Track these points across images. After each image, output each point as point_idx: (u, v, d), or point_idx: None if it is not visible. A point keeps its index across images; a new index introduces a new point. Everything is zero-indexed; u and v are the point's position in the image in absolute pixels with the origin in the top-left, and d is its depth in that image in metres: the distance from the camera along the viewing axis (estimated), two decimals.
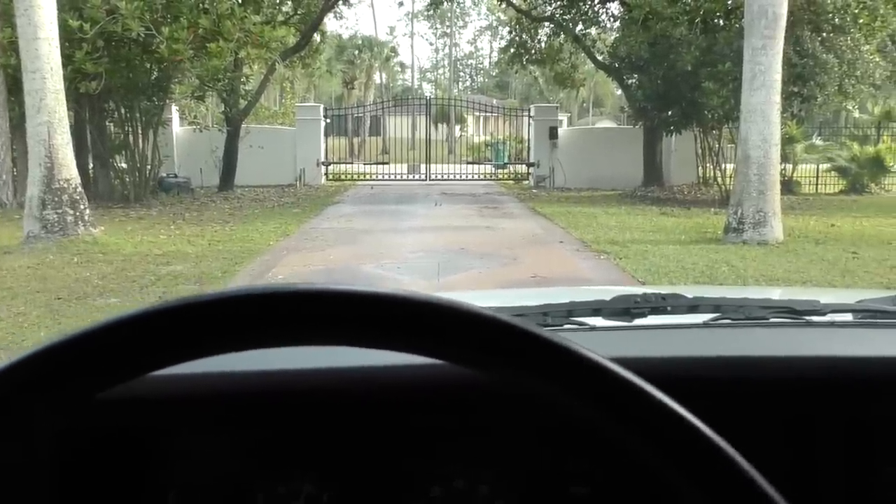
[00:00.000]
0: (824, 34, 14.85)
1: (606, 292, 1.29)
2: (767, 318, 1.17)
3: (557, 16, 19.88)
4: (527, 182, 21.16)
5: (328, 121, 22.18)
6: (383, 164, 23.09)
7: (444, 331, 0.42)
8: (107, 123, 15.78)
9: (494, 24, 57.83)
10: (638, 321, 1.18)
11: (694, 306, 1.23)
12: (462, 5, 58.28)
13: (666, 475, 0.42)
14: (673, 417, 0.42)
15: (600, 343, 1.09)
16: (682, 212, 14.20)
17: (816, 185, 19.08)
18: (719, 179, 15.98)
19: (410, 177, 22.09)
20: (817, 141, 19.31)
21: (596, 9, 19.84)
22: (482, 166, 23.93)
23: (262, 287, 0.42)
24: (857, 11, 15.00)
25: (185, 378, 0.85)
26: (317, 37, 20.78)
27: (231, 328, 0.42)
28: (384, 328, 0.42)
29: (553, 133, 20.53)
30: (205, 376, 0.86)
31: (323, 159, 21.08)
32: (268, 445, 0.90)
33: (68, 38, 11.31)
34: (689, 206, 15.30)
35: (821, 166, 19.22)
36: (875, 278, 7.91)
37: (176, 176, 17.47)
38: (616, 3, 19.01)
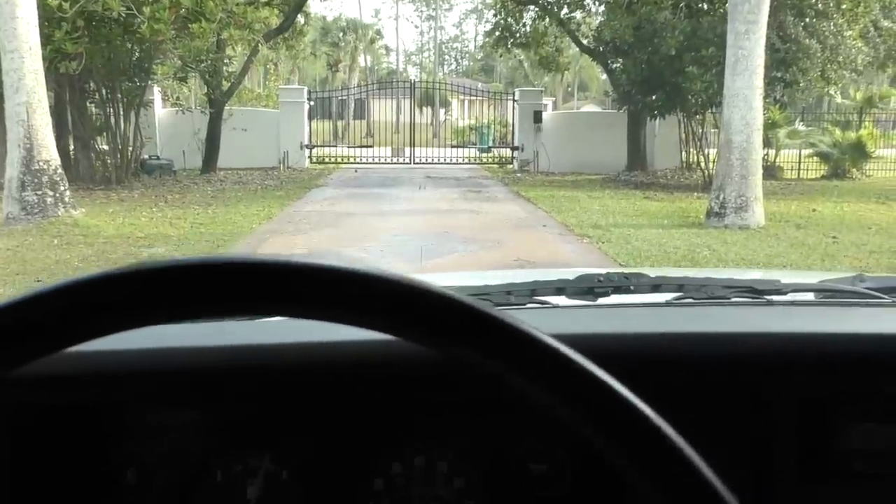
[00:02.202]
0: (807, 19, 14.91)
1: (571, 273, 1.29)
2: (729, 298, 1.18)
3: None
4: (511, 166, 21.15)
5: (312, 103, 22.04)
6: (367, 147, 23.02)
7: (392, 306, 0.42)
8: (88, 104, 15.61)
9: (480, 7, 57.54)
10: (601, 300, 1.18)
11: (657, 286, 1.24)
12: None
13: (608, 455, 0.42)
14: (610, 394, 0.42)
15: (562, 321, 1.10)
16: (665, 196, 14.25)
17: (798, 170, 19.18)
18: (702, 164, 16.04)
19: (395, 160, 22.03)
20: (800, 126, 19.34)
21: None
22: (467, 150, 23.90)
23: (204, 258, 0.42)
24: None
25: (144, 353, 0.84)
26: (301, 18, 20.60)
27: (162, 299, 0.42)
28: (330, 301, 0.42)
29: (537, 117, 20.52)
30: (163, 351, 0.85)
31: (307, 142, 20.98)
32: (226, 422, 0.90)
33: (47, 18, 11.15)
34: (672, 190, 15.36)
35: (803, 151, 19.31)
36: (854, 262, 7.99)
37: (158, 158, 17.33)
38: None
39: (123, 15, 12.07)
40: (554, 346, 0.42)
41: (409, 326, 0.43)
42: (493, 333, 0.41)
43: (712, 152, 14.17)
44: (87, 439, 0.87)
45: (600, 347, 0.93)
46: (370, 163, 21.44)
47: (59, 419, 0.86)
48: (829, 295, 1.24)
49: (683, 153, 18.13)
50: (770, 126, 15.75)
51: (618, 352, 0.92)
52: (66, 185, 10.51)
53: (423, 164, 21.50)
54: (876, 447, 0.94)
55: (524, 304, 1.15)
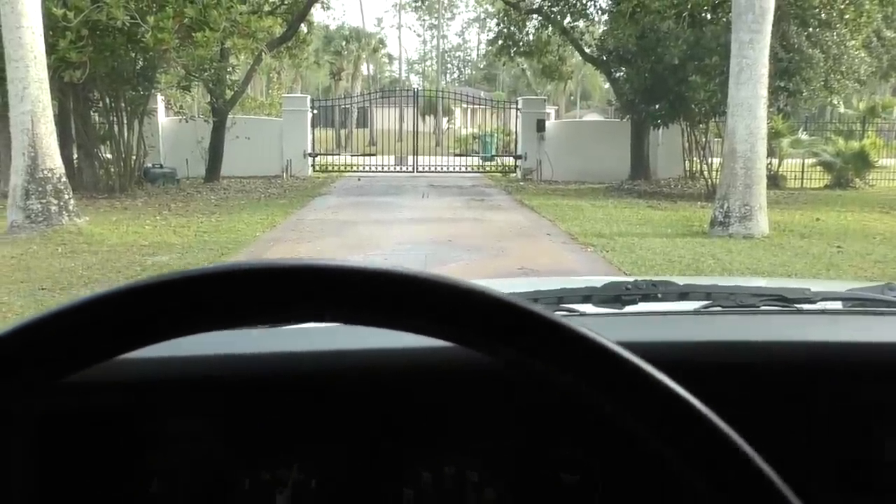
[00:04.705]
0: (811, 29, 14.92)
1: (597, 281, 1.28)
2: (758, 306, 1.17)
3: (546, 8, 19.87)
4: (514, 174, 21.16)
5: (315, 112, 22.08)
6: (370, 155, 23.04)
7: (458, 312, 0.41)
8: (91, 113, 15.64)
9: (482, 16, 57.69)
10: (629, 308, 1.17)
11: (685, 293, 1.23)
12: None
13: (674, 464, 0.41)
14: (679, 402, 0.41)
15: (590, 328, 1.08)
16: (668, 205, 14.24)
17: (802, 179, 19.18)
18: (706, 173, 16.04)
19: (398, 168, 22.05)
20: (803, 135, 19.36)
21: (584, 1, 19.84)
22: (470, 158, 23.91)
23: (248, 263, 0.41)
24: (843, 7, 15.09)
25: (170, 361, 0.83)
26: (304, 27, 20.66)
27: (202, 308, 0.41)
28: (395, 307, 0.41)
29: (541, 126, 20.53)
30: (189, 359, 0.85)
31: (310, 150, 21.00)
32: (254, 431, 0.89)
33: (52, 27, 11.18)
34: (675, 199, 15.35)
35: (806, 161, 19.32)
36: (859, 272, 7.97)
37: (161, 166, 17.36)
38: None
39: (127, 24, 12.11)
40: (623, 356, 0.42)
41: (476, 336, 0.42)
42: (568, 344, 0.41)
43: (716, 161, 14.17)
44: (113, 448, 0.86)
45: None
46: (373, 171, 21.45)
47: (85, 427, 0.86)
48: (858, 303, 1.23)
49: (687, 162, 18.12)
50: (773, 135, 15.76)
51: (647, 360, 0.91)
52: (70, 193, 10.52)
53: (426, 172, 21.52)
54: None
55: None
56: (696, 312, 1.17)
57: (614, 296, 1.19)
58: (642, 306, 1.19)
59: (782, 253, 9.10)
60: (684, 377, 0.90)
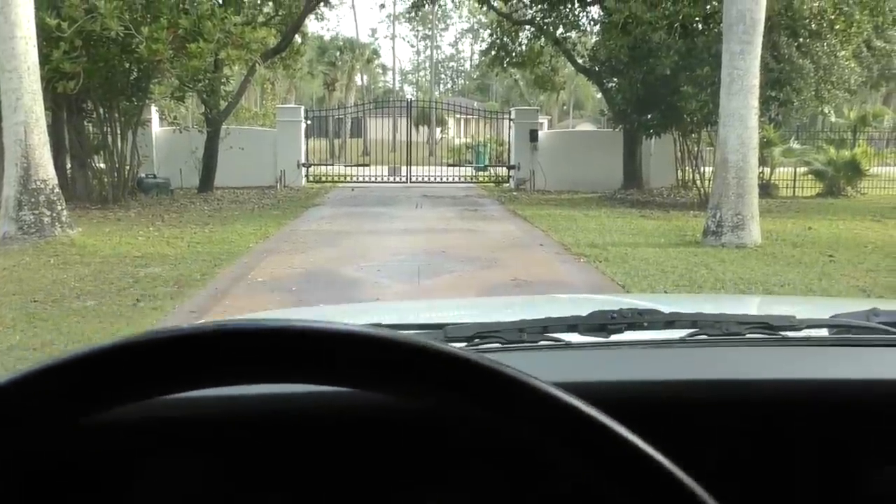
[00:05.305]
0: (801, 39, 15.02)
1: (583, 303, 1.28)
2: (743, 334, 1.18)
3: (538, 19, 19.95)
4: (507, 184, 21.20)
5: (309, 122, 22.10)
6: (364, 166, 23.07)
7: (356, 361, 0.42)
8: (85, 123, 15.64)
9: (476, 26, 57.95)
10: (615, 337, 1.17)
11: (670, 321, 1.23)
12: (444, 8, 58.27)
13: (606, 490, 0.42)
14: (604, 430, 0.42)
15: (576, 361, 1.10)
16: (661, 215, 14.28)
17: (794, 188, 19.27)
18: (698, 182, 16.10)
19: (391, 179, 22.08)
20: (794, 145, 19.46)
21: (576, 12, 19.94)
22: (463, 168, 23.97)
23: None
24: (833, 17, 15.18)
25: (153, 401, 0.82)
26: (298, 38, 20.69)
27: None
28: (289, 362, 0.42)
29: (533, 136, 20.59)
30: (173, 399, 0.83)
31: (303, 161, 21.01)
32: (240, 467, 0.88)
33: (46, 37, 11.19)
34: (668, 209, 15.40)
35: (798, 170, 19.40)
36: (851, 281, 8.01)
37: (155, 177, 17.34)
38: (596, 7, 19.09)
39: (122, 35, 12.13)
40: (544, 390, 0.42)
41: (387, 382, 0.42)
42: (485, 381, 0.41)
43: (708, 170, 14.23)
44: (99, 487, 0.85)
45: (619, 394, 0.93)
46: (367, 181, 21.47)
47: (70, 467, 0.85)
48: (843, 330, 1.24)
49: (679, 171, 18.19)
50: (765, 144, 15.84)
51: (634, 397, 0.92)
52: (63, 204, 10.51)
53: (420, 182, 21.55)
54: None
55: (536, 342, 1.14)
56: (681, 342, 1.17)
57: (600, 324, 1.19)
58: (628, 335, 1.19)
59: (775, 262, 9.13)
60: (672, 413, 0.91)
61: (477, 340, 1.14)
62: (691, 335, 1.19)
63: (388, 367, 0.42)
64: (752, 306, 2.08)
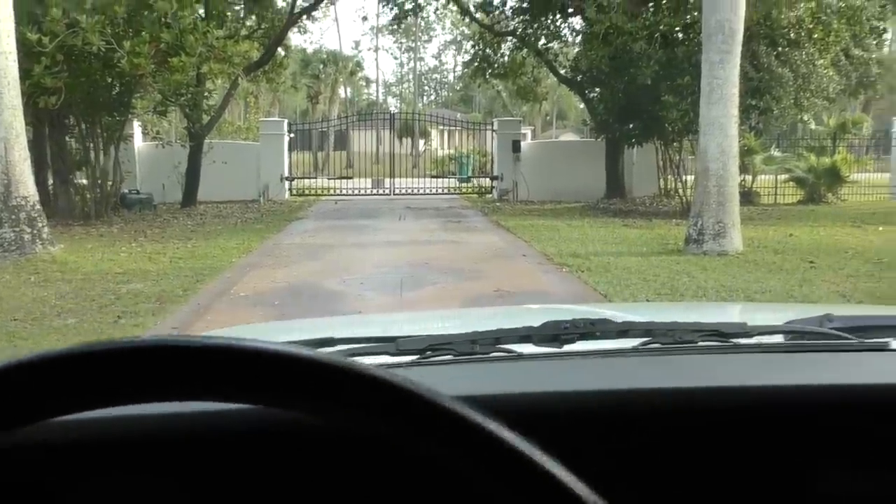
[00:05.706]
0: (780, 49, 15.18)
1: (538, 314, 1.29)
2: (696, 342, 1.18)
3: (520, 31, 20.06)
4: (490, 195, 21.24)
5: (292, 135, 22.06)
6: (348, 178, 23.05)
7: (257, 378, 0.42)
8: (67, 139, 15.54)
9: (458, 38, 58.08)
10: (567, 347, 1.17)
11: (623, 331, 1.23)
12: (426, 20, 58.48)
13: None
14: (484, 433, 0.42)
15: (529, 372, 1.09)
16: (643, 223, 14.35)
17: (775, 195, 19.41)
18: (680, 191, 16.19)
19: (375, 191, 22.07)
20: (775, 152, 19.63)
21: (558, 23, 20.06)
22: (446, 180, 23.99)
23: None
24: (811, 27, 15.37)
25: (97, 422, 0.79)
26: (281, 51, 20.72)
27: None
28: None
29: (516, 146, 20.65)
30: (117, 419, 0.81)
31: (287, 174, 20.97)
32: (188, 489, 0.87)
33: (27, 52, 11.11)
34: (650, 217, 15.48)
35: (779, 177, 19.57)
36: (832, 286, 8.07)
37: (138, 192, 17.26)
38: (577, 18, 19.22)
39: (103, 49, 12.08)
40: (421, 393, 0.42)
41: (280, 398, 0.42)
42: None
43: (690, 179, 14.32)
44: None
45: (570, 402, 0.93)
46: (350, 194, 21.44)
47: (11, 492, 0.83)
48: (796, 337, 1.24)
49: (661, 180, 18.30)
50: (746, 152, 15.96)
51: (587, 407, 0.92)
52: (45, 221, 10.43)
53: (403, 194, 21.56)
54: (854, 492, 0.94)
55: (489, 354, 1.14)
56: (634, 351, 1.18)
57: (553, 335, 1.19)
58: (581, 345, 1.19)
59: (756, 269, 9.19)
60: (623, 425, 0.91)
61: (429, 353, 1.13)
62: (644, 344, 1.19)
63: (279, 383, 0.42)
64: (708, 314, 2.09)
